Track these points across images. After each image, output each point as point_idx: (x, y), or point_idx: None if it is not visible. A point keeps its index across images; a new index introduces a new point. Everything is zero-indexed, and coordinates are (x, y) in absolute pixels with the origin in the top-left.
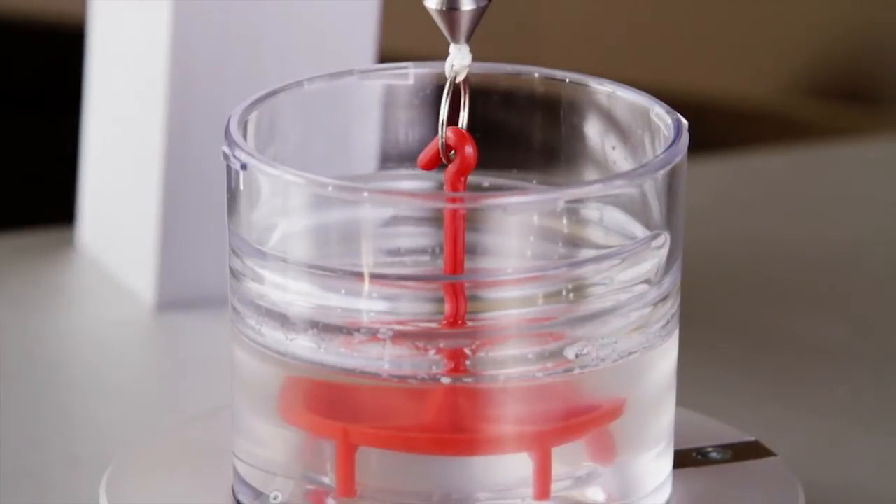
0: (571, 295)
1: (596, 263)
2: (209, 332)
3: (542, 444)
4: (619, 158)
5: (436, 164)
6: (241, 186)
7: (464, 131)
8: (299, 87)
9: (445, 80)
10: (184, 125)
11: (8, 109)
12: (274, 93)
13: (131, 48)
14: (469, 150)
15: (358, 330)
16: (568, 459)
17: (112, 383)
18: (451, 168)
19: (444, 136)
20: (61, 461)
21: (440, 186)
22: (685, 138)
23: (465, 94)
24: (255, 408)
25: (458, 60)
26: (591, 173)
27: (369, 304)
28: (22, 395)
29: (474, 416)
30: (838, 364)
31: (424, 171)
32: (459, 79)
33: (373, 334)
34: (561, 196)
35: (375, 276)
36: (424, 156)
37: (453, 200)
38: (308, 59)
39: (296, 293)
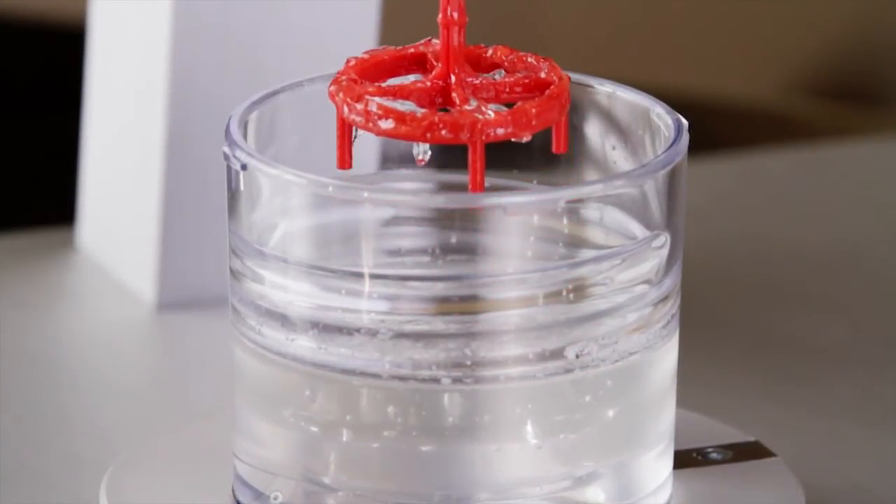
0: (572, 295)
1: (596, 264)
2: (209, 333)
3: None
4: (620, 158)
5: None
6: (242, 187)
7: None
8: (299, 87)
9: None
10: (184, 125)
11: (8, 109)
12: (274, 93)
13: (131, 48)
14: None
15: (358, 330)
16: (568, 459)
17: (112, 383)
18: None
19: None
20: (61, 461)
21: (440, 187)
22: (685, 138)
23: None
24: (256, 408)
25: None
26: (591, 173)
27: (369, 305)
28: (22, 395)
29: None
30: (838, 364)
31: (424, 172)
32: None
33: (373, 334)
34: (561, 196)
35: (375, 277)
36: None
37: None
38: (308, 59)
39: (296, 293)
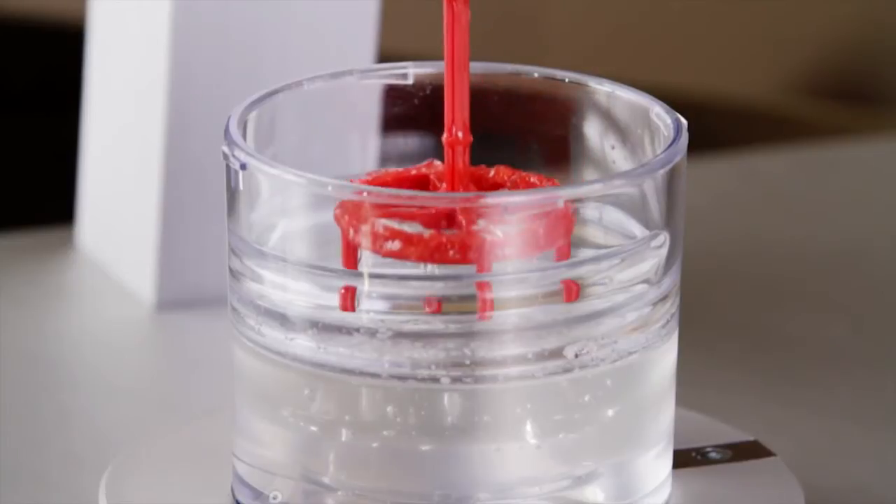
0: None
1: (595, 263)
2: (209, 332)
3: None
4: (619, 158)
5: None
6: (241, 186)
7: None
8: (299, 87)
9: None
10: (183, 125)
11: (8, 109)
12: (274, 93)
13: (131, 48)
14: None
15: (357, 330)
16: (567, 459)
17: (112, 383)
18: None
19: None
20: (61, 461)
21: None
22: (685, 138)
23: None
24: (255, 407)
25: None
26: (590, 173)
27: (369, 304)
28: (22, 394)
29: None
30: (838, 364)
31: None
32: None
33: (372, 334)
34: (561, 196)
35: (375, 276)
36: None
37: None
38: (308, 59)
39: (295, 293)
